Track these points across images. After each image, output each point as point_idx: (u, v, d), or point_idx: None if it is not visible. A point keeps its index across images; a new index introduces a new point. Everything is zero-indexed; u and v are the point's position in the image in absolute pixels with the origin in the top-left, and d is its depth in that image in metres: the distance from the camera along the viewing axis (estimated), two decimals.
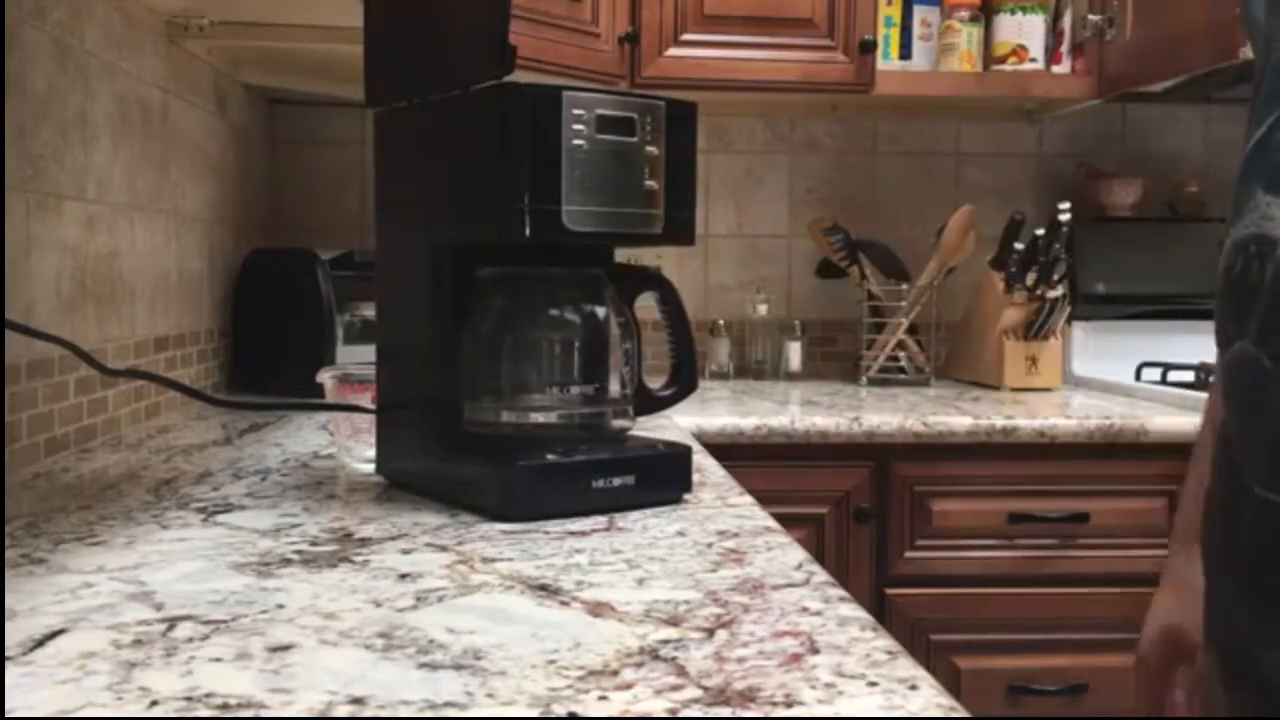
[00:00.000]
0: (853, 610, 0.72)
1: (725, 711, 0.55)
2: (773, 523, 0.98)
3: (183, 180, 1.72)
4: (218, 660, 0.62)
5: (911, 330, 2.35)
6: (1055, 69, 2.29)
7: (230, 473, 1.19)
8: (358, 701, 0.56)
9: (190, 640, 0.65)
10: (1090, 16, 2.21)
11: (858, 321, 2.37)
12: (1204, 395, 1.13)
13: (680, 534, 0.93)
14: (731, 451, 1.68)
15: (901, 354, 2.35)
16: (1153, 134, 2.55)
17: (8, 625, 0.67)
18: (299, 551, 0.86)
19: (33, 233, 1.20)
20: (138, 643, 0.64)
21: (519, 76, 0.97)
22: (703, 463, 1.27)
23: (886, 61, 2.25)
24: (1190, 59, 1.95)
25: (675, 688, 0.58)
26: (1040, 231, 2.17)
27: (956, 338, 2.46)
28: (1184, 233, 2.42)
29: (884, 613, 1.83)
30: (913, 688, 0.58)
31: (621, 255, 1.12)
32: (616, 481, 1.01)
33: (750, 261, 2.51)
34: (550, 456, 1.00)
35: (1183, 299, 2.29)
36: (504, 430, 1.03)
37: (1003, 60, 2.27)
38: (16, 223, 1.16)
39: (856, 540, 1.85)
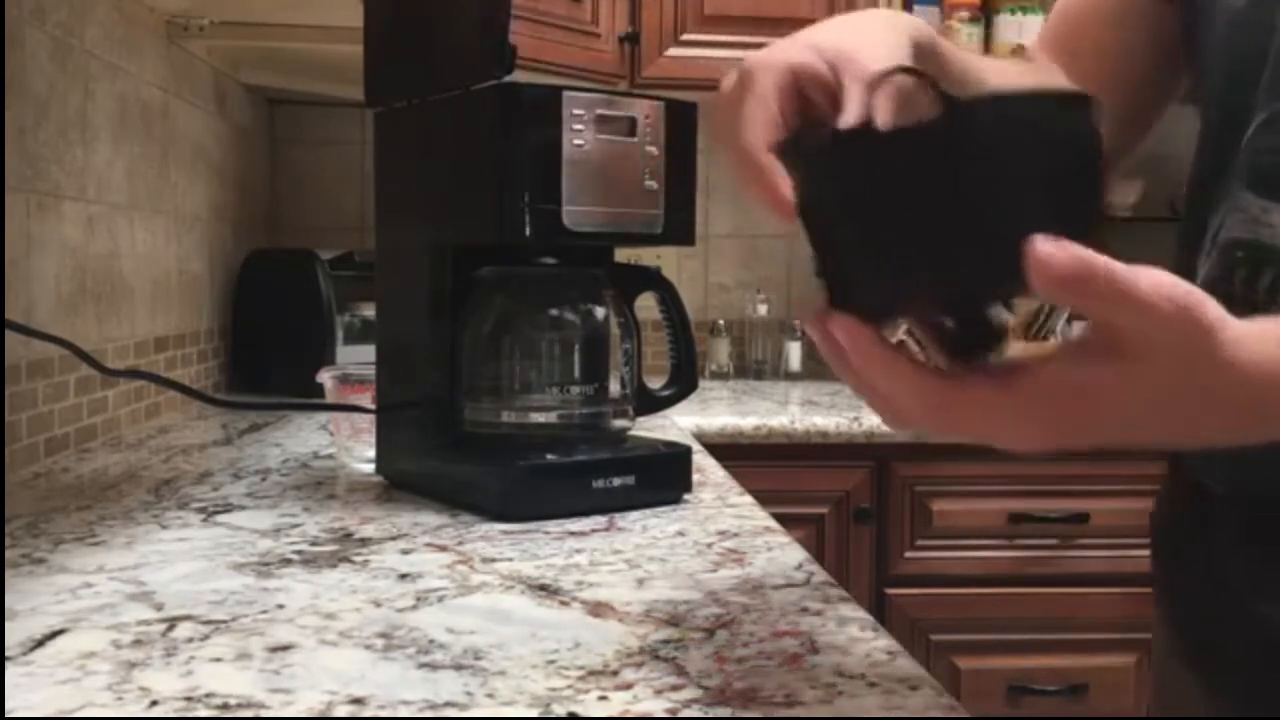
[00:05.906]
0: (853, 610, 0.72)
1: (725, 711, 0.55)
2: (773, 523, 0.98)
3: (183, 180, 1.72)
4: (218, 660, 0.62)
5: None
6: None
7: (230, 473, 1.19)
8: (358, 701, 0.56)
9: (190, 640, 0.65)
10: None
11: None
12: None
13: (680, 534, 0.93)
14: (731, 451, 1.68)
15: None
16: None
17: (8, 625, 0.67)
18: (299, 551, 0.86)
19: (33, 233, 1.20)
20: (138, 643, 0.64)
21: (519, 76, 0.96)
22: (703, 463, 1.27)
23: None
24: None
25: (675, 688, 0.58)
26: None
27: None
28: None
29: (884, 613, 1.83)
30: (913, 688, 0.58)
31: (621, 255, 1.12)
32: (616, 481, 1.00)
33: (750, 261, 2.51)
34: (550, 456, 1.00)
35: None
36: (504, 430, 1.03)
37: None
38: (16, 223, 1.16)
39: (856, 540, 1.85)
